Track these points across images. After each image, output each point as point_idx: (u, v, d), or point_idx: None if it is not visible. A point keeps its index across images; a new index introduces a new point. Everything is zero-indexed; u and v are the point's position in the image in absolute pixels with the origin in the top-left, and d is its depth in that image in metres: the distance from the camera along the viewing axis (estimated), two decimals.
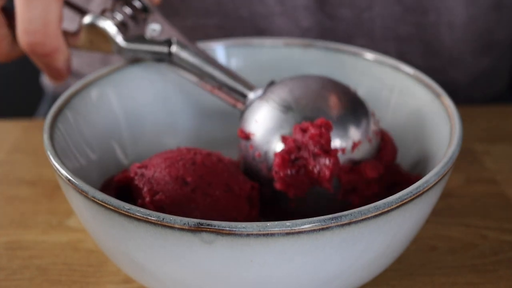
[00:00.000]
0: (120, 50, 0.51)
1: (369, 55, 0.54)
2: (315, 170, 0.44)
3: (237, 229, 0.36)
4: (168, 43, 0.51)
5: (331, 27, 0.69)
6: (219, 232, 0.36)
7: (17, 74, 1.07)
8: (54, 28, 0.51)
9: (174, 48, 0.51)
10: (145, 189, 0.44)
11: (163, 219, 0.37)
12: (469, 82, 0.73)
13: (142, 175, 0.45)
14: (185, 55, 0.51)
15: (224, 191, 0.44)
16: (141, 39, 0.52)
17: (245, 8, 0.68)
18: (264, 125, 0.47)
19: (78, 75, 0.75)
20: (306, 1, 0.67)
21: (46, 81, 0.82)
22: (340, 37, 0.69)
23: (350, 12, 0.68)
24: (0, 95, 1.11)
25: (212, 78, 0.51)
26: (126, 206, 0.38)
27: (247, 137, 0.47)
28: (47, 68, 0.54)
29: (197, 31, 0.69)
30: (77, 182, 0.40)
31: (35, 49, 0.52)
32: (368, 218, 0.37)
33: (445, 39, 0.70)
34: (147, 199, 0.43)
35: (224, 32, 0.69)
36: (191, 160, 0.45)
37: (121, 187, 0.46)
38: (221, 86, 0.51)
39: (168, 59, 0.51)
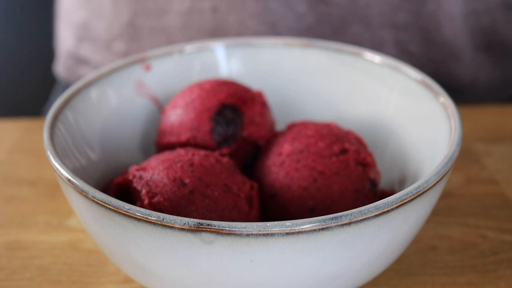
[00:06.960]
0: None
1: (369, 55, 0.54)
2: None
3: (237, 229, 0.36)
4: None
5: (326, 13, 0.68)
6: (219, 232, 0.36)
7: (29, 63, 1.07)
8: None
9: None
10: (144, 191, 0.43)
11: (163, 219, 0.37)
12: (474, 78, 0.73)
13: (141, 177, 0.44)
14: None
15: (223, 191, 0.44)
16: None
17: None
18: None
19: (89, 64, 0.75)
20: None
21: (59, 69, 0.82)
22: (335, 23, 0.68)
23: None
24: (12, 84, 1.11)
25: None
26: (126, 206, 0.38)
27: None
28: None
29: (193, 14, 0.69)
30: (77, 182, 0.40)
31: None
32: (368, 218, 0.37)
33: (445, 30, 0.69)
34: (146, 201, 0.43)
35: (218, 16, 0.69)
36: (189, 161, 0.45)
37: (120, 190, 0.46)
38: None
39: None
